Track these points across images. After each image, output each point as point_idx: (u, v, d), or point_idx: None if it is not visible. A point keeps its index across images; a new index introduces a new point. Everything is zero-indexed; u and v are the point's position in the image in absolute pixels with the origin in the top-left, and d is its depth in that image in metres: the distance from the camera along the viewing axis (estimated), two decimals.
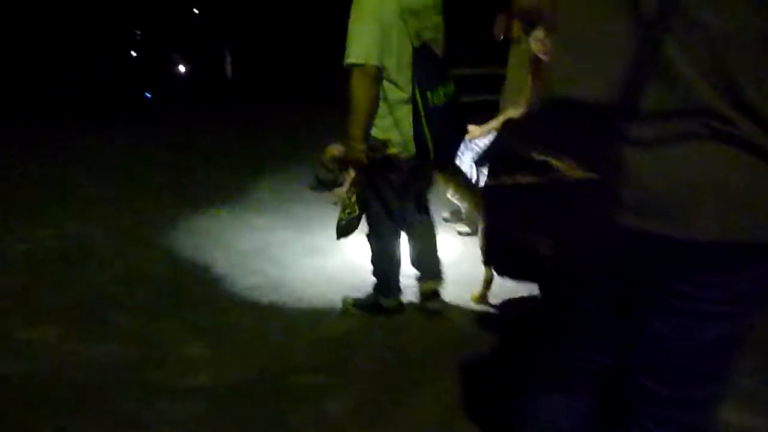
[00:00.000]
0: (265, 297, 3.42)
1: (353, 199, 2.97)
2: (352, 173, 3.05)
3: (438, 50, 2.84)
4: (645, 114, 1.08)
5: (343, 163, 3.06)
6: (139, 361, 2.69)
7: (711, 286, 1.17)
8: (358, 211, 2.97)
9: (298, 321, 3.15)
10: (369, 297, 3.24)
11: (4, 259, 3.88)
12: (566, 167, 1.06)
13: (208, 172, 6.69)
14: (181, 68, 20.95)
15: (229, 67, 17.06)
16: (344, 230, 3.00)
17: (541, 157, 1.08)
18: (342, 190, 3.16)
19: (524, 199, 1.12)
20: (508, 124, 1.38)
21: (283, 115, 9.96)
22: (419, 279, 3.27)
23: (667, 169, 1.09)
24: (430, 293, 3.23)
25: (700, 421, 1.31)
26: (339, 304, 3.28)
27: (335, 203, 3.35)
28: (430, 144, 2.78)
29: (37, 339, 2.85)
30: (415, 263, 3.25)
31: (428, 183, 3.29)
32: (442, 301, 3.27)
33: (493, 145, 1.30)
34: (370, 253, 3.18)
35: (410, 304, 3.28)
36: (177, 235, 4.42)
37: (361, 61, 2.64)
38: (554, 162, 1.07)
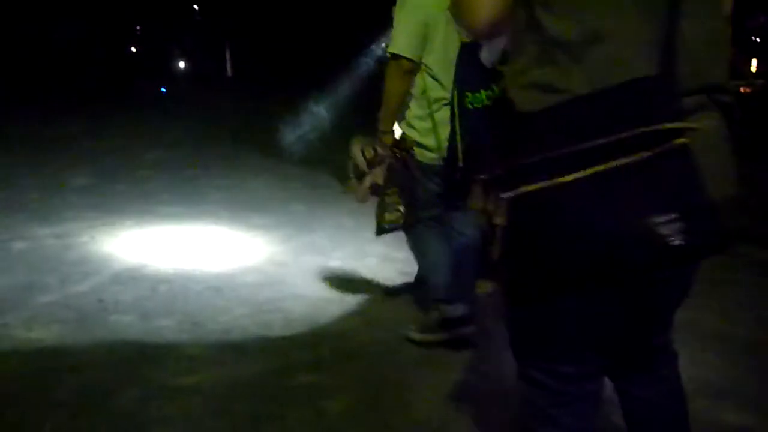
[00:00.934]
0: (264, 295, 3.41)
1: (395, 199, 2.80)
2: (379, 171, 2.86)
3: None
4: (677, 90, 1.14)
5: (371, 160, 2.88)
6: (136, 360, 2.68)
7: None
8: (403, 211, 2.80)
9: (296, 319, 3.14)
10: (431, 314, 2.94)
11: (2, 258, 3.87)
12: (690, 125, 1.05)
13: (206, 170, 6.69)
14: (182, 64, 20.96)
15: (229, 64, 17.08)
16: (387, 231, 2.86)
17: (655, 128, 1.01)
18: (356, 184, 2.95)
19: (628, 182, 1.01)
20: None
21: (282, 112, 9.95)
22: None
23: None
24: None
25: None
26: (338, 302, 3.27)
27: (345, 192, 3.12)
28: (459, 150, 2.56)
29: (35, 338, 2.84)
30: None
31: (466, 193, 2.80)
32: (474, 328, 2.88)
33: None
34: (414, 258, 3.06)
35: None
36: (174, 234, 4.42)
37: (396, 52, 2.63)
38: (676, 126, 1.02)
